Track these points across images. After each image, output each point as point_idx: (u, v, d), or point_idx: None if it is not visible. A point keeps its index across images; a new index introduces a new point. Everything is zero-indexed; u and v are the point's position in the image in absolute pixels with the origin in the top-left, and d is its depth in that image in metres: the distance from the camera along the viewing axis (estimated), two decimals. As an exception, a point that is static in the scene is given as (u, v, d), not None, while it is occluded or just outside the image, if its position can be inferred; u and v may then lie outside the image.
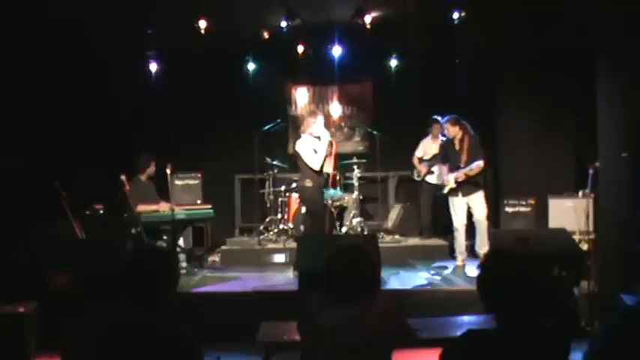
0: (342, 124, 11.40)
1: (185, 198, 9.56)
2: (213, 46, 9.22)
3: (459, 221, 8.17)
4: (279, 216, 9.81)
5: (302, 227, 9.32)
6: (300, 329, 3.32)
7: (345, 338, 3.02)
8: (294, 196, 9.87)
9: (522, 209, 8.71)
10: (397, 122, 10.46)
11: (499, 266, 2.71)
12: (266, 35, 9.70)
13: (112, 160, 8.70)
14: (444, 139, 9.61)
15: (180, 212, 8.36)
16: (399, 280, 7.73)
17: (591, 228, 7.48)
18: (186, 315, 4.60)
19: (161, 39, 9.26)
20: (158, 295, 2.77)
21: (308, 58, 10.32)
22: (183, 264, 8.43)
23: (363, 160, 9.91)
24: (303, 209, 9.36)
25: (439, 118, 9.66)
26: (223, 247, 9.62)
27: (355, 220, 9.51)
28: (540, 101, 9.30)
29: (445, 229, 9.81)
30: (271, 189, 10.01)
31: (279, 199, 9.90)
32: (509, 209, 8.76)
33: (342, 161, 9.85)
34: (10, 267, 6.34)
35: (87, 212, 8.11)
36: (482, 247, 7.85)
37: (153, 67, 9.97)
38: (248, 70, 10.68)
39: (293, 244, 8.53)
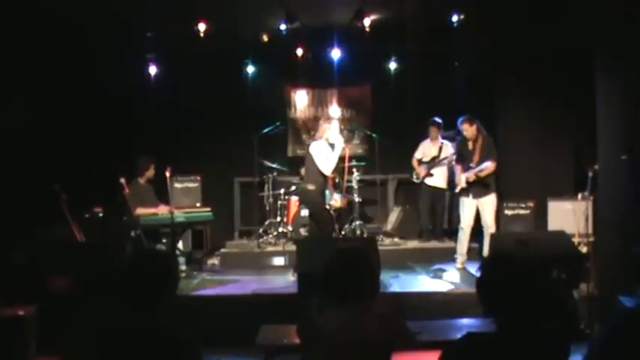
0: (342, 126, 11.39)
1: (184, 201, 9.55)
2: (212, 48, 9.23)
3: (465, 222, 8.17)
4: (279, 219, 9.82)
5: (302, 230, 9.33)
6: (299, 332, 3.32)
7: (344, 341, 3.02)
8: (294, 199, 9.88)
9: (521, 212, 8.70)
10: (396, 125, 10.48)
11: (498, 269, 2.71)
12: (265, 38, 9.73)
13: (111, 163, 8.70)
14: (444, 141, 9.65)
15: (180, 215, 8.37)
16: (398, 282, 7.73)
17: (590, 230, 7.46)
18: (185, 318, 4.60)
19: (161, 42, 9.28)
20: (158, 298, 2.77)
21: (307, 61, 10.34)
22: (183, 267, 8.43)
23: (362, 163, 9.91)
24: (304, 212, 9.38)
25: (438, 120, 9.68)
26: (223, 250, 9.62)
27: (355, 223, 9.52)
28: (539, 103, 9.29)
29: (444, 231, 9.83)
30: (270, 192, 10.02)
31: (279, 202, 9.92)
32: (508, 212, 8.74)
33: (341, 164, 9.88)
34: (9, 270, 6.34)
35: (86, 215, 8.11)
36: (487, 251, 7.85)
37: (152, 69, 9.98)
38: (247, 73, 10.70)
39: (292, 247, 8.54)
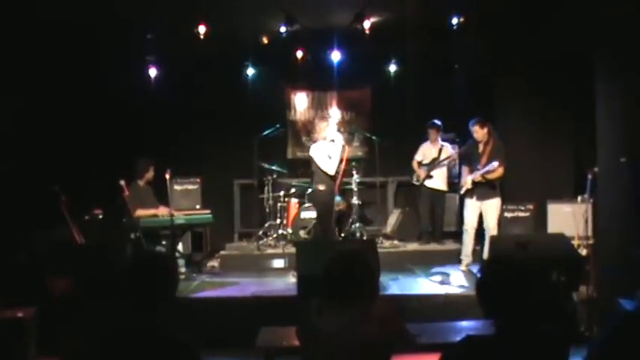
0: (341, 129, 11.38)
1: (184, 203, 9.56)
2: (212, 51, 9.24)
3: (469, 223, 8.21)
4: (278, 221, 9.82)
5: (301, 232, 9.33)
6: (299, 334, 3.32)
7: (344, 343, 3.02)
8: (293, 201, 9.89)
9: (521, 214, 8.71)
10: (396, 127, 10.48)
11: (498, 271, 2.72)
12: (265, 40, 9.72)
13: (111, 165, 8.70)
14: (444, 143, 9.65)
15: (180, 217, 8.37)
16: (398, 285, 7.73)
17: (590, 233, 7.47)
18: (185, 320, 4.60)
19: (161, 44, 9.28)
20: (157, 300, 2.77)
21: (307, 64, 10.33)
22: (182, 269, 8.43)
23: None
24: (303, 214, 9.39)
25: (437, 122, 9.68)
26: (222, 253, 9.61)
27: (354, 225, 9.52)
28: (539, 106, 9.30)
29: (444, 233, 9.83)
30: (270, 194, 10.02)
31: (278, 205, 9.92)
32: (508, 214, 8.75)
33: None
34: (10, 271, 6.34)
35: (86, 217, 8.11)
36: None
37: (152, 72, 9.98)
38: (247, 75, 10.71)
39: (292, 249, 8.53)
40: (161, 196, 8.58)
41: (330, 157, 7.87)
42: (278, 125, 10.29)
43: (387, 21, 9.04)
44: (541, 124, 9.36)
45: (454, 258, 8.85)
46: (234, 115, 10.57)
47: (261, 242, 9.56)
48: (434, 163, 9.68)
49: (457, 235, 8.46)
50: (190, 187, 10.04)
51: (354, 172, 9.68)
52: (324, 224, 8.07)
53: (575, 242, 7.41)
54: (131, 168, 8.44)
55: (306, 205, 9.61)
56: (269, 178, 10.04)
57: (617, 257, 6.37)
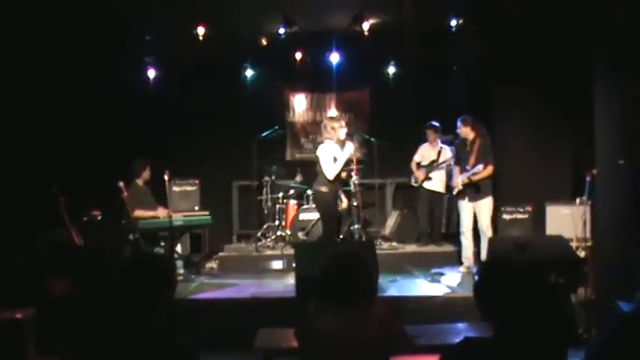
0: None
1: (183, 204, 9.56)
2: (211, 52, 9.24)
3: (464, 225, 8.22)
4: (277, 222, 9.83)
5: (300, 234, 9.33)
6: (297, 335, 3.33)
7: (342, 345, 3.02)
8: (292, 202, 9.89)
9: (520, 216, 8.72)
10: (395, 129, 10.49)
11: (496, 273, 2.72)
12: (264, 42, 9.72)
13: (109, 166, 8.70)
14: (443, 145, 9.66)
15: (178, 219, 8.38)
16: (396, 286, 7.73)
17: (588, 235, 7.47)
18: (183, 322, 4.61)
19: (160, 45, 9.28)
20: (155, 301, 2.77)
21: (306, 65, 10.35)
22: (181, 270, 8.44)
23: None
24: (302, 216, 9.38)
25: (435, 124, 9.70)
26: (221, 254, 9.61)
27: (353, 227, 9.52)
28: (537, 107, 9.30)
29: (443, 235, 9.84)
30: (269, 196, 10.02)
31: (277, 206, 9.93)
32: (506, 216, 8.76)
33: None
34: (8, 272, 6.34)
35: (85, 218, 8.11)
36: (485, 255, 7.87)
37: (151, 73, 9.98)
38: (246, 77, 10.71)
39: (291, 251, 8.53)
40: (160, 197, 8.58)
41: (335, 160, 7.78)
42: (277, 127, 10.29)
43: (386, 23, 9.05)
44: (539, 125, 9.36)
45: (453, 259, 8.87)
46: (233, 117, 10.57)
47: (259, 244, 9.56)
48: (432, 165, 9.69)
49: (456, 237, 8.46)
50: (189, 188, 10.05)
51: (352, 174, 9.68)
52: (326, 226, 8.02)
53: (573, 244, 7.42)
54: (129, 169, 8.43)
55: (305, 206, 9.62)
56: (267, 179, 10.04)
57: (616, 259, 6.36)
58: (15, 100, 8.04)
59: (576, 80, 8.15)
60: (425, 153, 9.85)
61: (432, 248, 9.63)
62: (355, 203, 9.58)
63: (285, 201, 9.93)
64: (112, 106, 9.63)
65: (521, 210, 8.72)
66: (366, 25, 8.89)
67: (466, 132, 8.18)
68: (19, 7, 7.44)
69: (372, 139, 10.21)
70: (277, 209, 9.93)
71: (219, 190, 10.80)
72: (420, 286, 7.79)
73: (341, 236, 9.42)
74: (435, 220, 9.85)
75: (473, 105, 9.56)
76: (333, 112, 11.30)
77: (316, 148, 8.12)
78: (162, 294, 2.80)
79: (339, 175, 7.86)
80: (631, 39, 6.24)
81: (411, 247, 9.76)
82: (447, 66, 10.26)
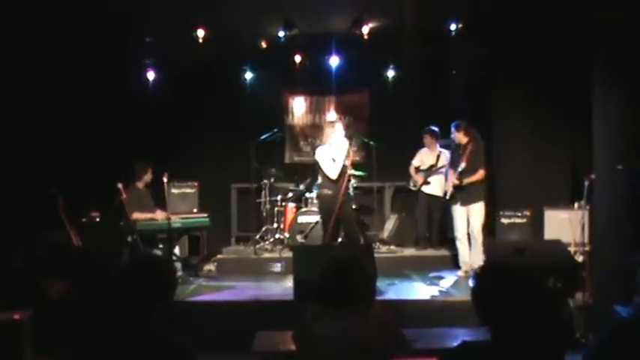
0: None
1: (181, 207, 9.56)
2: (211, 54, 9.24)
3: (459, 230, 8.23)
4: (275, 225, 9.83)
5: (298, 237, 9.32)
6: (295, 339, 3.33)
7: (340, 348, 3.02)
8: (290, 205, 9.89)
9: (518, 220, 8.72)
10: (394, 132, 10.49)
11: (494, 277, 2.72)
12: (264, 45, 9.73)
13: (108, 168, 8.70)
14: (442, 149, 9.66)
15: (177, 221, 8.37)
16: (394, 290, 7.72)
17: (586, 239, 7.49)
18: (181, 324, 4.61)
19: (160, 47, 9.29)
20: (154, 303, 2.77)
21: (305, 68, 10.36)
22: (179, 273, 8.42)
23: (359, 173, 9.87)
24: (300, 219, 9.38)
25: (433, 129, 9.71)
26: (219, 256, 9.60)
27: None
28: (536, 112, 9.31)
29: (441, 239, 9.83)
30: (267, 198, 10.02)
31: (275, 209, 9.94)
32: (504, 220, 8.76)
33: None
34: (6, 273, 6.34)
35: (83, 219, 8.11)
36: (477, 258, 7.88)
37: (151, 75, 9.99)
38: (245, 79, 10.71)
39: (289, 254, 8.53)
40: (158, 199, 8.58)
41: (333, 160, 7.86)
42: (276, 130, 10.28)
43: (385, 26, 9.06)
44: (538, 129, 9.37)
45: (451, 263, 8.87)
46: (232, 119, 10.57)
47: (258, 246, 9.55)
48: (431, 170, 9.70)
49: (454, 241, 8.46)
50: (188, 190, 10.05)
51: (351, 177, 9.68)
52: (326, 228, 8.05)
53: (571, 248, 7.42)
54: (129, 171, 8.43)
55: (304, 209, 9.62)
56: (266, 182, 10.05)
57: (614, 264, 6.37)
58: (14, 100, 8.04)
59: (575, 85, 8.17)
60: (424, 157, 9.86)
61: (430, 252, 9.62)
62: (354, 206, 9.59)
63: (283, 204, 9.93)
64: (111, 107, 9.64)
65: (520, 214, 8.73)
66: (365, 29, 8.89)
67: (460, 137, 8.20)
68: (18, 8, 7.45)
69: (371, 143, 10.21)
70: (276, 212, 9.94)
71: (218, 192, 10.81)
72: (418, 290, 7.79)
73: (339, 239, 9.42)
74: (433, 224, 9.85)
75: (472, 109, 9.57)
76: (332, 115, 11.32)
77: (314, 152, 8.19)
78: (161, 295, 2.80)
79: (341, 174, 7.93)
80: (629, 44, 6.26)
81: (409, 251, 9.75)
82: (446, 69, 10.27)
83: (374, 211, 10.76)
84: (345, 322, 3.07)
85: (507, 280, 2.67)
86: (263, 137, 9.99)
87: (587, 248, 7.46)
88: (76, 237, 7.54)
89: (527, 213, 8.69)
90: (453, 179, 8.15)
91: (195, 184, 10.09)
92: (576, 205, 7.86)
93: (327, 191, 7.95)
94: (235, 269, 9.06)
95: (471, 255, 8.12)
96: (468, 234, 8.19)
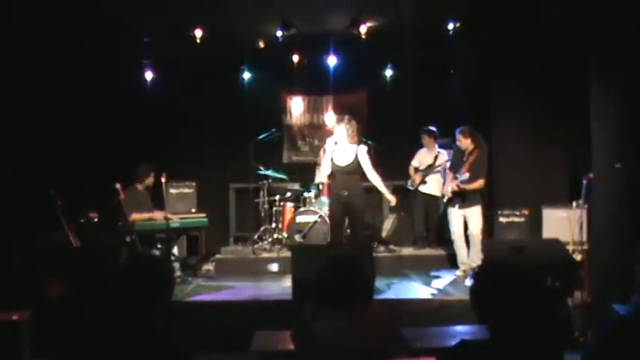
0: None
1: (180, 207, 9.55)
2: (208, 54, 9.23)
3: (455, 232, 8.24)
4: (274, 225, 9.83)
5: (296, 236, 9.31)
6: (294, 338, 3.33)
7: (339, 348, 3.02)
8: (289, 205, 9.89)
9: (516, 219, 8.72)
10: (392, 132, 10.49)
11: (492, 277, 2.72)
12: (262, 44, 9.73)
13: (106, 169, 8.70)
14: (440, 149, 9.67)
15: (175, 221, 8.37)
16: (393, 289, 7.74)
17: (585, 238, 7.49)
18: (180, 324, 4.60)
19: (157, 48, 9.28)
20: (152, 303, 2.77)
21: (303, 68, 10.35)
22: (178, 273, 8.42)
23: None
24: (298, 218, 9.37)
25: (431, 129, 9.71)
26: (217, 256, 9.61)
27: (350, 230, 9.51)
28: (535, 111, 9.31)
29: (439, 239, 9.84)
30: (266, 198, 10.02)
31: (274, 209, 9.94)
32: (503, 219, 8.76)
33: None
34: (5, 274, 6.33)
35: (81, 220, 8.10)
36: (475, 259, 7.89)
37: (149, 75, 9.98)
38: (243, 79, 10.70)
39: (287, 254, 8.54)
40: (157, 199, 8.57)
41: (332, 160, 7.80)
42: (274, 129, 10.27)
43: (383, 26, 9.06)
44: (536, 129, 9.37)
45: (449, 262, 8.88)
46: (230, 119, 10.56)
47: (256, 246, 9.56)
48: (429, 169, 9.70)
49: (451, 241, 8.47)
50: (186, 190, 10.04)
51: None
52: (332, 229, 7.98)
53: (570, 247, 7.42)
54: (127, 171, 8.41)
55: (302, 209, 9.61)
56: (264, 182, 10.05)
57: (612, 262, 6.38)
58: (12, 102, 8.04)
59: (573, 84, 8.16)
60: (422, 158, 9.87)
61: (428, 251, 9.64)
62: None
63: (281, 203, 9.93)
64: (109, 107, 9.63)
65: (518, 213, 8.72)
66: (363, 28, 8.89)
67: (466, 144, 8.17)
68: (16, 9, 7.44)
69: (369, 142, 10.21)
70: (274, 212, 9.94)
71: (216, 192, 10.80)
72: (417, 289, 7.80)
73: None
74: (432, 224, 9.87)
75: (470, 108, 9.58)
76: (330, 116, 11.32)
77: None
78: (159, 296, 2.80)
79: (331, 175, 7.86)
80: (627, 43, 6.26)
81: (407, 250, 9.76)
82: (445, 69, 10.27)
83: (372, 211, 10.75)
84: (343, 321, 3.07)
85: (505, 280, 2.67)
86: (261, 137, 9.98)
87: (585, 247, 7.46)
88: (74, 238, 7.53)
89: (526, 212, 8.69)
90: (453, 185, 8.14)
91: (194, 184, 10.08)
92: (574, 204, 7.85)
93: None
94: (234, 269, 9.07)
95: (470, 255, 8.13)
96: (466, 235, 8.20)
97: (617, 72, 6.50)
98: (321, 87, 10.91)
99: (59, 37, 8.31)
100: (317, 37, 9.57)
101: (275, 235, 9.70)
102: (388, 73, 10.71)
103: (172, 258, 8.45)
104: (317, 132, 11.32)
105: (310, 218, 9.25)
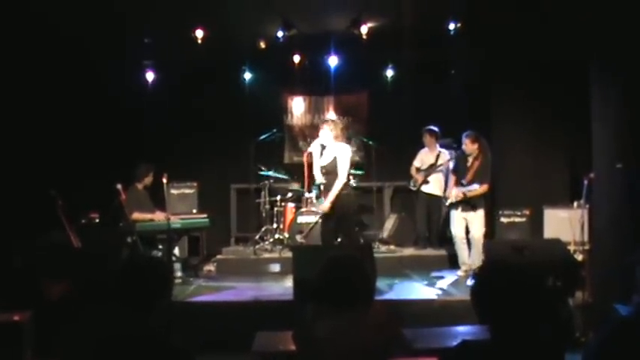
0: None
1: (181, 207, 9.56)
2: (210, 55, 9.23)
3: (456, 235, 8.24)
4: (275, 225, 9.82)
5: (298, 237, 9.31)
6: (295, 339, 3.33)
7: (340, 348, 3.02)
8: (290, 205, 9.88)
9: (517, 219, 8.72)
10: (393, 132, 10.48)
11: (493, 277, 2.72)
12: (263, 45, 9.74)
13: (108, 169, 8.70)
14: (442, 149, 9.66)
15: (176, 221, 8.36)
16: (394, 290, 7.73)
17: (586, 238, 7.49)
18: (181, 324, 4.61)
19: (158, 48, 9.28)
20: (152, 303, 2.77)
21: (304, 68, 10.35)
22: (179, 273, 8.43)
23: (359, 172, 9.88)
24: (300, 219, 9.36)
25: (432, 128, 9.71)
26: (219, 257, 9.60)
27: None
28: (536, 111, 9.32)
29: (441, 239, 9.83)
30: (267, 198, 10.02)
31: (275, 209, 9.93)
32: (504, 219, 8.77)
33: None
34: (5, 275, 6.33)
35: (82, 220, 8.11)
36: (477, 260, 7.88)
37: (150, 76, 9.98)
38: (244, 80, 10.70)
39: (288, 254, 8.53)
40: (158, 200, 8.57)
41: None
42: (275, 130, 10.28)
43: (384, 26, 9.06)
44: (537, 129, 9.38)
45: (450, 263, 8.88)
46: (231, 120, 10.57)
47: (257, 247, 9.55)
48: (430, 169, 9.70)
49: (453, 243, 8.47)
50: (187, 191, 10.05)
51: (350, 177, 9.70)
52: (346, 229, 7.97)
53: (571, 247, 7.42)
54: (128, 172, 8.41)
55: (303, 209, 9.61)
56: (265, 182, 10.05)
57: (613, 262, 6.38)
58: (13, 102, 8.04)
59: (574, 84, 8.16)
60: (424, 158, 9.87)
61: (429, 251, 9.63)
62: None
63: (283, 204, 9.93)
64: (110, 108, 9.63)
65: (519, 213, 8.73)
66: (364, 29, 8.89)
67: (472, 149, 8.15)
68: (18, 10, 7.44)
69: (370, 142, 10.22)
70: (275, 212, 9.93)
71: (218, 192, 10.81)
72: (418, 290, 7.80)
73: (339, 239, 9.42)
74: (433, 224, 9.86)
75: (471, 108, 9.58)
76: (331, 116, 11.31)
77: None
78: (158, 295, 2.80)
79: (314, 178, 7.95)
80: (627, 43, 6.26)
81: (408, 251, 9.75)
82: (445, 70, 10.26)
83: (373, 211, 10.76)
84: (344, 322, 3.07)
85: (507, 280, 2.67)
86: (262, 137, 9.99)
87: (586, 247, 7.46)
88: (75, 238, 7.53)
89: (527, 212, 8.69)
90: (457, 192, 8.13)
91: (195, 184, 10.10)
92: (575, 204, 7.85)
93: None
94: (235, 270, 9.06)
95: (471, 255, 8.11)
96: (467, 238, 8.19)
97: (618, 72, 6.50)
98: (322, 87, 10.90)
99: (60, 37, 8.31)
100: (318, 38, 9.57)
101: (276, 236, 9.70)
102: (389, 73, 10.71)
103: (173, 258, 8.45)
104: (318, 132, 11.29)
105: (311, 219, 9.24)
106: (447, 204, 8.40)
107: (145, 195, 8.50)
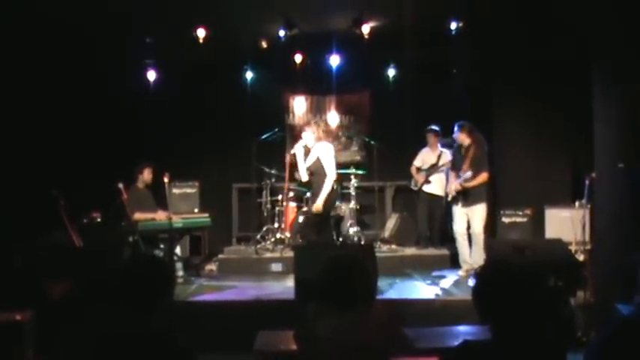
0: (340, 133, 11.40)
1: (183, 207, 9.57)
2: (211, 55, 9.24)
3: (457, 231, 8.21)
4: (276, 225, 9.82)
5: (299, 236, 9.32)
6: (297, 338, 3.33)
7: (341, 348, 3.03)
8: (292, 205, 9.88)
9: (519, 219, 8.73)
10: (395, 132, 10.48)
11: (495, 277, 2.72)
12: (264, 44, 9.74)
13: (109, 169, 8.70)
14: (443, 149, 9.66)
15: (178, 221, 8.37)
16: (395, 289, 7.73)
17: (588, 238, 7.49)
18: (182, 324, 4.60)
19: (160, 48, 9.29)
20: (154, 303, 2.77)
21: (306, 68, 10.34)
22: (180, 272, 8.43)
23: (360, 172, 9.89)
24: (301, 218, 9.37)
25: (435, 128, 9.71)
26: (220, 256, 9.61)
27: (352, 230, 9.52)
28: (537, 111, 9.32)
29: (442, 238, 9.83)
30: (268, 198, 10.02)
31: (276, 208, 9.92)
32: (505, 219, 8.77)
33: (339, 170, 9.83)
34: (7, 274, 6.34)
35: (84, 220, 8.11)
36: (478, 259, 7.87)
37: (151, 75, 9.98)
38: (246, 79, 10.69)
39: (290, 254, 8.53)
40: (159, 199, 8.58)
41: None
42: (277, 129, 10.30)
43: (386, 26, 9.06)
44: (539, 129, 9.38)
45: (452, 262, 8.87)
46: (233, 119, 10.57)
47: (259, 246, 9.55)
48: (432, 169, 9.70)
49: (454, 240, 8.46)
50: (189, 190, 10.06)
51: (352, 177, 9.72)
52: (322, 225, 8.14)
53: (572, 247, 7.43)
54: (130, 171, 8.44)
55: (304, 209, 9.61)
56: (267, 182, 10.05)
57: (615, 262, 6.37)
58: (15, 101, 8.05)
59: (575, 84, 8.16)
60: (425, 157, 9.87)
61: (431, 251, 9.63)
62: (354, 205, 9.61)
63: (284, 203, 9.93)
64: (111, 107, 9.63)
65: (521, 213, 8.74)
66: (366, 28, 8.90)
67: (462, 138, 8.13)
68: (20, 8, 7.45)
69: (372, 142, 10.23)
70: (277, 212, 9.93)
71: (219, 192, 10.81)
72: (419, 289, 7.80)
73: (340, 239, 9.43)
74: (435, 224, 9.86)
75: (473, 108, 9.57)
76: (333, 115, 11.33)
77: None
78: (160, 294, 2.80)
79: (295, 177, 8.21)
80: (629, 43, 6.26)
81: (410, 250, 9.76)
82: (447, 69, 10.26)
83: (375, 211, 10.76)
84: (346, 321, 3.08)
85: (508, 280, 2.66)
86: (264, 137, 10.00)
87: (588, 247, 7.46)
88: (77, 238, 7.54)
89: (528, 212, 8.70)
90: (456, 184, 8.11)
91: (196, 184, 10.11)
92: (577, 203, 7.85)
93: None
94: (236, 269, 9.07)
95: (472, 254, 8.11)
96: (469, 234, 8.19)
97: (620, 71, 6.49)
98: (324, 87, 10.89)
99: (61, 37, 8.31)
100: (319, 37, 9.57)
101: (278, 235, 9.70)
102: (391, 72, 10.69)
103: (175, 258, 8.45)
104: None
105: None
106: (449, 199, 8.37)
107: (146, 194, 8.51)
